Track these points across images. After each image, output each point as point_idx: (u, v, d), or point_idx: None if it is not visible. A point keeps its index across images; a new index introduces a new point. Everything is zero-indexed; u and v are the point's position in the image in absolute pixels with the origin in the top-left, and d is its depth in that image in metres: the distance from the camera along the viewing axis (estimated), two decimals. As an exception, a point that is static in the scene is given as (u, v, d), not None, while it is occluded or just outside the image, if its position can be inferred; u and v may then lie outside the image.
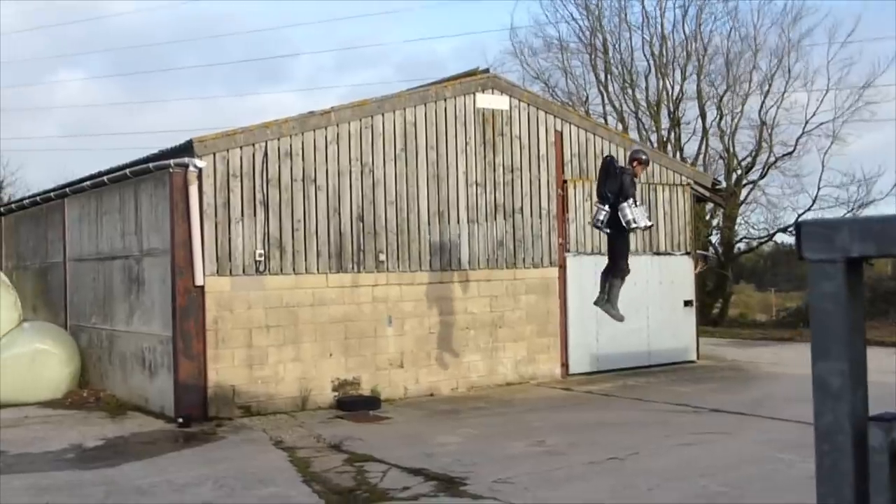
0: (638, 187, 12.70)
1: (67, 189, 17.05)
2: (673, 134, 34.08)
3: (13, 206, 21.48)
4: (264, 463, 10.23)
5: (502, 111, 16.39)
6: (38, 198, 19.03)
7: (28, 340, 15.43)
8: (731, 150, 33.67)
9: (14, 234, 21.06)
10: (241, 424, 12.74)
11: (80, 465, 10.33)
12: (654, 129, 34.11)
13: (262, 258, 13.62)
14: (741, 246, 36.52)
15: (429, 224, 15.37)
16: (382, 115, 14.99)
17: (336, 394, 14.22)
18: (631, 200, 12.11)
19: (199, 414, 12.93)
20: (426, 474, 9.37)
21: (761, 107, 32.66)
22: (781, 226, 34.34)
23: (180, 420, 12.72)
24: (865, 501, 1.56)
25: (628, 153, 13.35)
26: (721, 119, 33.50)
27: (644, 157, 13.18)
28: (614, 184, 12.23)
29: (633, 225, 12.14)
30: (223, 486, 9.10)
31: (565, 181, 17.17)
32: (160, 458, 10.70)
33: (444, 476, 9.24)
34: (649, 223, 12.87)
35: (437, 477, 9.23)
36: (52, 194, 18.04)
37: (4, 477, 9.76)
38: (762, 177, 33.82)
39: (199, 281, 13.05)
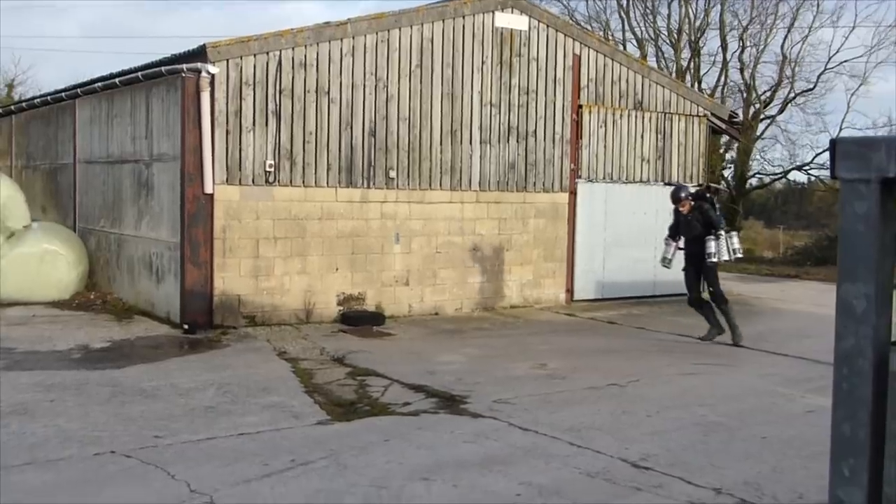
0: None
1: (79, 90, 16.89)
2: (693, 64, 33.55)
3: (24, 105, 21.32)
4: (267, 372, 10.33)
5: (520, 31, 16.10)
6: (49, 98, 18.87)
7: (37, 240, 15.48)
8: (752, 83, 33.21)
9: (24, 133, 20.96)
10: (245, 334, 12.84)
11: (86, 366, 10.45)
12: (673, 57, 33.59)
13: (273, 169, 13.55)
14: (753, 181, 36.30)
15: (441, 143, 15.24)
16: (399, 29, 14.73)
17: (341, 308, 14.29)
18: (722, 232, 12.40)
19: (204, 321, 13.03)
20: (427, 391, 9.46)
21: (785, 40, 32.11)
22: (797, 163, 34.09)
23: (186, 326, 12.82)
24: (882, 427, 1.53)
25: (675, 194, 13.08)
26: (743, 51, 32.96)
27: (712, 188, 14.19)
28: (696, 219, 12.53)
29: (715, 259, 12.37)
30: (226, 392, 9.20)
31: (580, 106, 16.94)
32: (165, 363, 10.82)
33: (446, 394, 9.33)
34: (736, 255, 12.70)
35: (438, 394, 9.32)
36: (63, 94, 17.87)
37: (12, 373, 9.89)
38: (781, 112, 33.45)
39: (208, 189, 13.00)
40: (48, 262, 15.34)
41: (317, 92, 13.92)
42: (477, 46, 15.56)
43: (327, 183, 14.09)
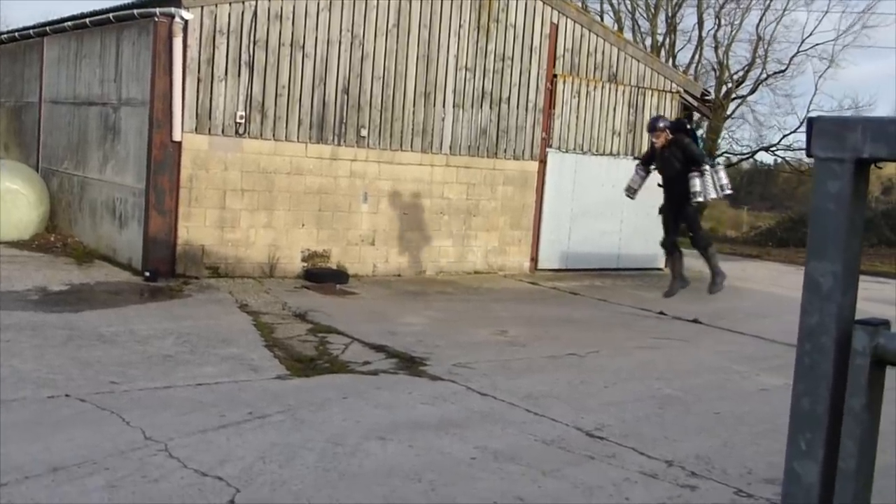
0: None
1: (48, 28, 16.53)
2: (668, 40, 33.59)
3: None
4: (228, 324, 10.29)
5: (501, -4, 15.98)
6: (16, 34, 18.46)
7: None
8: (725, 62, 33.34)
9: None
10: (207, 284, 12.76)
11: (44, 308, 10.34)
12: (649, 32, 33.58)
13: (243, 121, 13.39)
14: (721, 160, 36.52)
15: (414, 104, 15.14)
16: (377, -14, 14.56)
17: (305, 265, 14.24)
18: (707, 167, 10.47)
19: (166, 270, 12.92)
20: (388, 351, 9.48)
21: (760, 21, 32.24)
22: (764, 144, 34.37)
23: (147, 274, 12.71)
24: (840, 403, 1.56)
25: (651, 122, 11.18)
26: (718, 29, 33.04)
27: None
28: (674, 154, 10.62)
29: (701, 199, 10.58)
30: (186, 342, 9.16)
31: (555, 75, 16.91)
32: (124, 309, 10.73)
33: (406, 355, 9.36)
34: (725, 192, 10.69)
35: (398, 355, 9.34)
36: (31, 32, 17.49)
37: (-33, 311, 9.76)
38: (752, 92, 33.66)
39: (176, 136, 12.83)
40: (8, 202, 15.09)
41: (292, 45, 13.75)
42: (455, 10, 15.44)
43: (298, 138, 13.97)
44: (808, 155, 1.66)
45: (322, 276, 13.87)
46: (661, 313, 13.34)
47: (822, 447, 1.55)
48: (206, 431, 6.38)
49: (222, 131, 13.27)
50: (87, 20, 14.67)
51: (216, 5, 13.02)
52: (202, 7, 12.89)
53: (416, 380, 8.45)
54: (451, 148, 15.68)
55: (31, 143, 17.60)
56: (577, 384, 8.79)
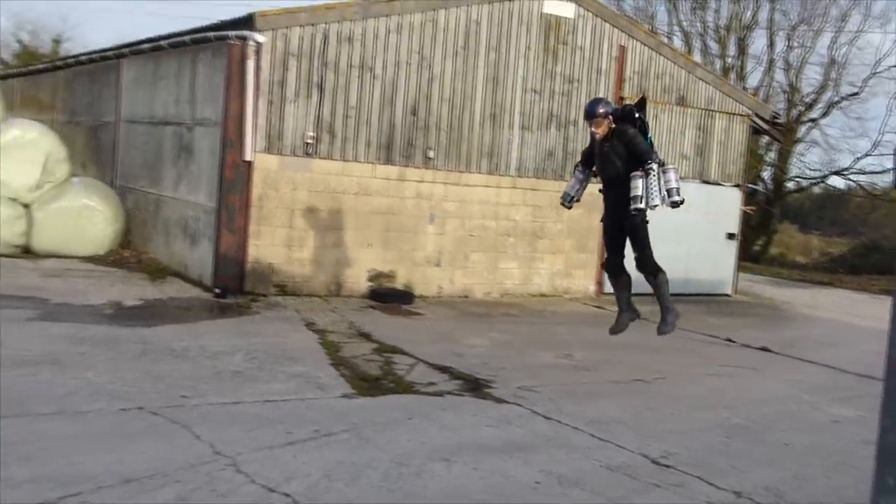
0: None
1: (126, 50, 17.01)
2: (738, 62, 33.19)
3: (70, 61, 21.51)
4: (295, 342, 10.41)
5: (567, 19, 15.99)
6: (95, 55, 19.03)
7: (76, 195, 15.65)
8: (796, 84, 32.80)
9: (69, 89, 21.15)
10: (275, 302, 12.94)
11: (118, 322, 10.59)
12: (719, 54, 33.24)
13: (313, 141, 13.60)
14: (791, 185, 35.92)
15: (481, 126, 15.21)
16: (446, 9, 14.70)
17: (371, 284, 14.34)
18: (654, 165, 8.32)
19: (235, 287, 13.14)
20: (452, 373, 9.49)
21: (832, 43, 31.68)
22: (836, 168, 33.68)
23: (217, 291, 12.94)
24: (929, 441, 1.53)
25: (589, 107, 8.82)
26: (790, 51, 32.55)
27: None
28: (615, 150, 8.55)
29: (641, 205, 8.33)
30: (254, 358, 9.29)
31: (622, 98, 16.81)
32: (195, 325, 10.93)
33: (471, 377, 9.36)
34: (671, 199, 8.41)
35: (463, 377, 9.35)
36: (110, 53, 18.02)
37: (45, 323, 10.05)
38: (824, 115, 33.04)
39: (247, 156, 13.08)
40: (86, 218, 15.51)
41: (361, 67, 13.94)
42: (523, 32, 15.49)
43: (366, 159, 14.13)
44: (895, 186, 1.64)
45: (388, 296, 13.97)
46: (729, 340, 13.13)
47: (911, 485, 1.53)
48: (273, 448, 6.46)
49: (292, 151, 13.49)
50: (165, 42, 15.06)
51: (288, 28, 13.28)
52: (275, 30, 13.15)
53: (480, 402, 8.44)
54: (517, 170, 15.70)
55: (108, 161, 18.08)
56: (642, 410, 8.69)
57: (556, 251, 16.38)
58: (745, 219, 19.67)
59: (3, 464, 5.62)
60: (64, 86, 21.51)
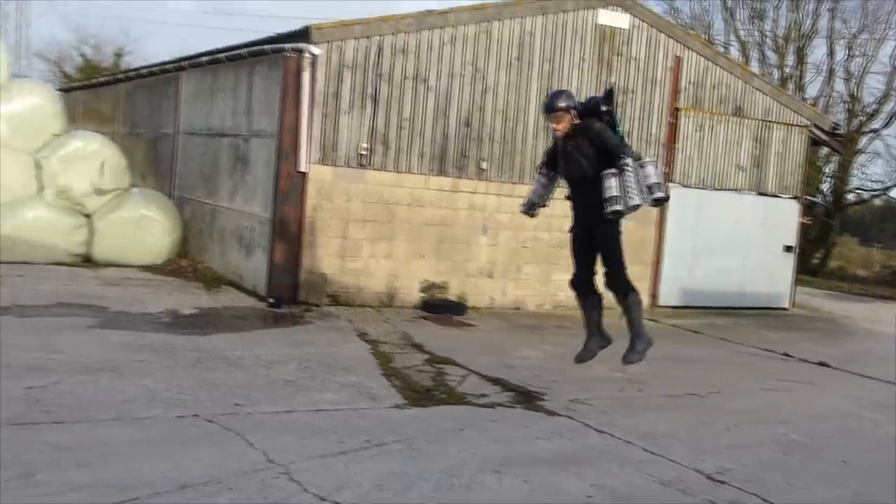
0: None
1: (185, 63, 17.33)
2: (797, 72, 32.70)
3: (131, 74, 21.97)
4: (347, 352, 10.48)
5: (621, 30, 15.91)
6: (155, 68, 19.41)
7: (135, 205, 15.97)
8: (857, 94, 32.20)
9: (129, 102, 21.60)
10: (328, 312, 13.04)
11: (174, 330, 10.76)
12: (777, 64, 32.79)
13: (367, 152, 13.70)
14: (851, 196, 35.23)
15: (534, 137, 15.19)
16: (500, 21, 14.73)
17: (423, 295, 14.38)
18: (629, 161, 7.41)
19: (289, 297, 13.27)
20: (504, 384, 9.47)
21: (895, 51, 31.03)
22: (899, 180, 32.97)
23: (271, 300, 13.08)
24: None
25: (548, 101, 7.94)
26: (850, 60, 31.98)
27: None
28: (580, 149, 7.57)
29: (619, 206, 7.35)
30: (307, 368, 9.37)
31: (678, 109, 16.68)
32: (249, 334, 11.06)
33: (522, 389, 9.33)
34: (654, 197, 7.48)
35: (514, 388, 9.32)
36: (169, 66, 18.37)
37: (104, 331, 10.26)
38: (886, 125, 32.36)
39: (302, 167, 13.23)
40: (144, 227, 15.81)
41: (415, 79, 14.03)
42: (577, 43, 15.45)
43: (419, 170, 14.20)
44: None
45: (440, 308, 14.00)
46: (786, 354, 12.91)
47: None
48: (325, 457, 6.50)
49: (346, 163, 13.61)
50: (222, 55, 15.32)
51: (343, 40, 13.42)
52: (330, 42, 13.30)
53: (532, 414, 8.41)
54: (570, 181, 15.62)
55: (166, 172, 18.41)
56: (696, 425, 8.58)
57: (610, 263, 16.22)
58: (804, 231, 19.34)
59: (62, 468, 5.75)
60: (125, 98, 21.97)
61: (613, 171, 7.30)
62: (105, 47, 41.22)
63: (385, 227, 14.05)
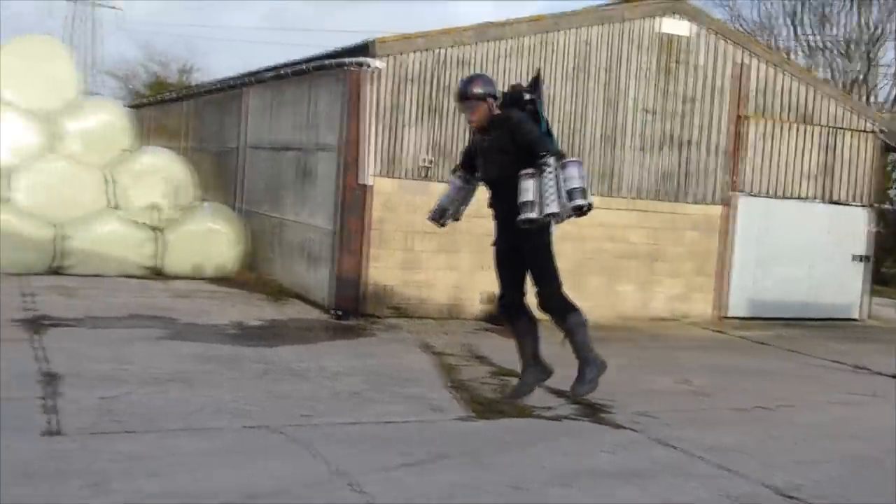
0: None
1: (249, 78, 17.64)
2: (867, 77, 32.00)
3: (198, 90, 22.43)
4: (411, 363, 10.53)
5: (684, 37, 15.76)
6: (220, 84, 19.79)
7: (203, 219, 16.31)
8: (929, 99, 31.40)
9: (197, 117, 22.06)
10: (392, 324, 13.12)
11: (241, 342, 10.94)
12: (844, 69, 32.13)
13: (430, 164, 13.78)
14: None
15: (596, 148, 15.12)
16: (558, 31, 14.71)
17: (485, 307, 14.37)
18: (551, 159, 6.24)
19: (353, 309, 13.39)
20: (569, 397, 9.40)
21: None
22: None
23: (336, 312, 13.21)
24: None
25: (461, 87, 7.04)
26: (922, 65, 31.17)
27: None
28: (497, 143, 6.49)
29: (533, 214, 6.28)
30: (371, 380, 9.43)
31: (742, 117, 16.44)
32: (314, 346, 11.19)
33: (587, 401, 9.25)
34: (574, 204, 6.43)
35: (579, 401, 9.24)
36: (234, 81, 18.72)
37: (175, 342, 10.49)
38: (960, 132, 31.43)
39: (366, 180, 13.36)
40: (212, 241, 16.13)
41: (477, 91, 14.06)
42: (637, 52, 15.35)
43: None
44: None
45: (502, 319, 13.94)
46: (857, 367, 12.61)
47: None
48: (390, 469, 6.53)
49: (409, 175, 13.71)
50: (286, 70, 15.56)
51: (405, 54, 13.54)
52: (391, 55, 13.43)
53: (597, 427, 8.35)
54: (633, 191, 15.52)
55: (231, 186, 18.74)
56: (765, 439, 8.42)
57: (675, 274, 16.07)
58: (877, 240, 18.87)
59: (133, 477, 5.87)
60: (192, 114, 22.44)
61: (531, 171, 6.09)
62: (172, 64, 42.20)
63: (447, 239, 14.07)
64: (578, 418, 8.61)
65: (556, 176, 5.99)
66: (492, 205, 6.54)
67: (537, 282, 6.33)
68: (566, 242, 14.88)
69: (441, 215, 6.74)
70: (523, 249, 6.36)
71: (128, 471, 6.01)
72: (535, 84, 6.65)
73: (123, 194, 15.67)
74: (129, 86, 41.32)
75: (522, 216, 5.99)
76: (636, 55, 15.35)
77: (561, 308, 6.32)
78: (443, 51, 13.82)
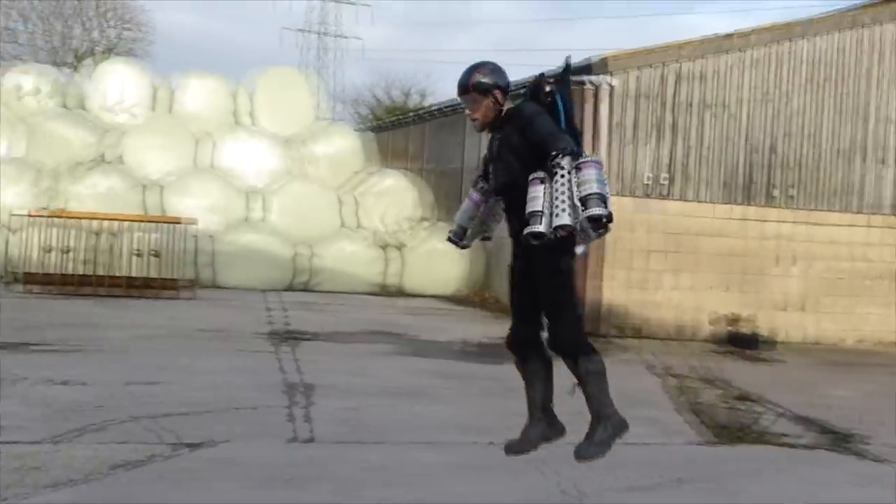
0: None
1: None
2: None
3: (429, 113, 23.14)
4: (645, 385, 10.29)
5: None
6: (443, 107, 20.28)
7: (436, 238, 16.78)
8: None
9: (429, 139, 22.72)
10: (625, 345, 12.89)
11: (464, 358, 11.19)
12: None
13: (666, 182, 13.45)
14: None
15: (836, 162, 14.22)
16: (790, 41, 13.98)
17: (717, 328, 13.82)
18: (564, 159, 4.61)
19: (590, 329, 13.20)
20: (817, 424, 8.83)
21: None
22: None
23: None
24: None
25: (462, 78, 5.05)
26: None
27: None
28: (509, 143, 4.97)
29: (541, 227, 4.59)
30: (602, 399, 9.26)
31: None
32: (541, 364, 11.15)
33: (836, 429, 8.64)
34: (590, 213, 4.59)
35: (831, 430, 8.64)
36: (458, 104, 19.11)
37: (413, 358, 10.92)
38: None
39: (603, 199, 13.19)
40: (436, 259, 16.52)
41: (712, 105, 13.64)
42: (876, 59, 14.26)
43: (716, 199, 13.76)
44: None
45: (736, 341, 13.42)
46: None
47: None
48: (619, 490, 6.38)
49: (644, 193, 13.44)
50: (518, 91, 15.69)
51: (637, 69, 13.34)
52: (625, 71, 13.25)
53: (846, 457, 7.78)
54: (876, 207, 14.41)
55: (456, 205, 19.04)
56: None
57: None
58: None
59: (370, 486, 6.07)
60: (425, 136, 23.13)
61: (541, 175, 4.71)
62: (407, 88, 43.83)
63: (679, 258, 13.69)
64: (824, 447, 8.05)
65: (570, 180, 4.66)
66: (506, 214, 5.16)
67: (548, 313, 4.97)
68: (803, 262, 14.10)
69: (461, 236, 5.31)
70: (536, 271, 4.94)
71: (367, 481, 6.19)
72: (564, 73, 5.29)
73: (364, 215, 16.41)
74: (366, 112, 43.24)
75: (527, 230, 4.66)
76: (876, 63, 14.27)
77: (573, 349, 4.98)
78: (677, 65, 13.48)
